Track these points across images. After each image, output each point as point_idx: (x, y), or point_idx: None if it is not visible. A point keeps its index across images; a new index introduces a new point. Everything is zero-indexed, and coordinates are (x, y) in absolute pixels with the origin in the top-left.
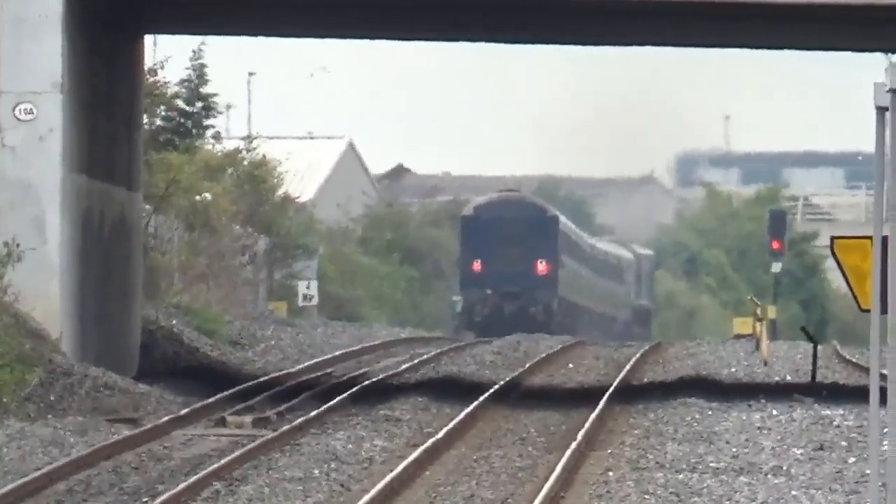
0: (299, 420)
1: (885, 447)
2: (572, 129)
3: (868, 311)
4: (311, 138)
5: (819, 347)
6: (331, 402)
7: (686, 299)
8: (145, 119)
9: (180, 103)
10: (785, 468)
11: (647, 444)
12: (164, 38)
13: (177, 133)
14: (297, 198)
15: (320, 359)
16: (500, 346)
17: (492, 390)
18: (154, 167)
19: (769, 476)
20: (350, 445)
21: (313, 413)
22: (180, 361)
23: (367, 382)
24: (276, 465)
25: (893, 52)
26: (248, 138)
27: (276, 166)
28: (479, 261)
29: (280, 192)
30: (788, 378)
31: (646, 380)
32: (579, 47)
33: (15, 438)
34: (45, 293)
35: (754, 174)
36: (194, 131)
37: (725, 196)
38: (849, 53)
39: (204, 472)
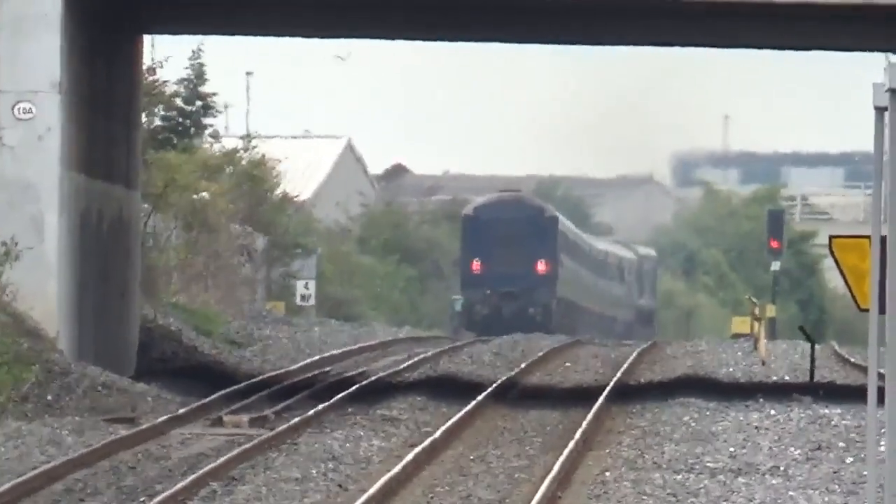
0: (297, 419)
1: (883, 447)
2: (571, 129)
3: (867, 310)
4: (310, 137)
5: (817, 347)
6: (328, 402)
7: (684, 299)
8: (144, 118)
9: (179, 102)
10: (782, 468)
11: (644, 444)
12: (162, 39)
13: (175, 132)
14: (296, 197)
15: (318, 358)
16: (498, 346)
17: (489, 389)
18: (152, 166)
19: (767, 476)
20: (348, 445)
21: (311, 412)
22: (178, 361)
23: (364, 382)
24: (273, 465)
25: (892, 52)
26: (247, 137)
27: (274, 166)
28: (478, 261)
29: (278, 191)
30: (786, 378)
31: (643, 379)
32: (578, 47)
33: (12, 438)
34: (43, 292)
35: (753, 174)
36: (193, 130)
37: (724, 195)
38: (848, 53)
39: (201, 471)
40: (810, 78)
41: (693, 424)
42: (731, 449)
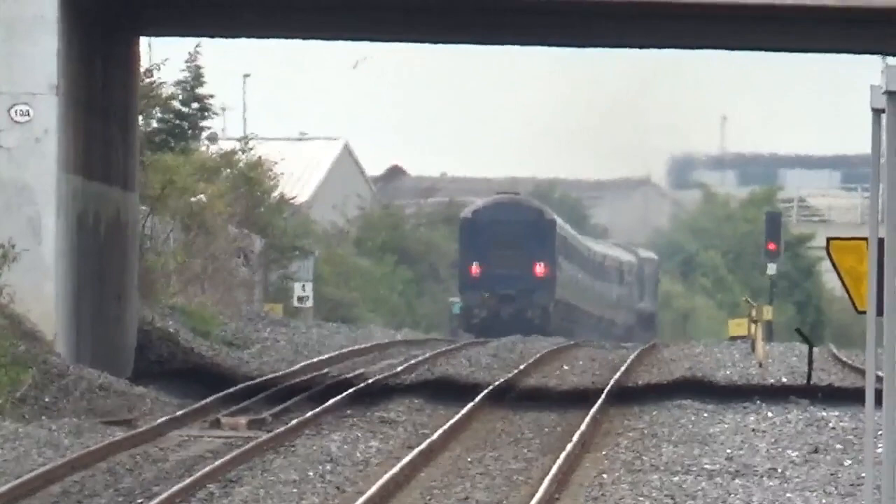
0: (294, 421)
1: (881, 449)
2: (568, 131)
3: (864, 312)
4: (307, 139)
5: (815, 349)
6: (326, 404)
7: (682, 301)
8: (141, 120)
9: (176, 104)
10: (780, 470)
11: (642, 445)
12: (159, 42)
13: (172, 134)
14: (293, 199)
15: (316, 360)
16: (496, 348)
17: (486, 391)
18: (150, 168)
19: (764, 478)
20: (345, 447)
21: (309, 414)
22: (176, 363)
23: (362, 384)
24: (270, 467)
25: (890, 55)
26: (244, 139)
27: (271, 168)
28: (477, 263)
29: (275, 193)
30: (784, 380)
31: (640, 381)
32: (575, 49)
33: (9, 440)
34: (41, 294)
35: (750, 176)
36: (190, 132)
37: (722, 198)
38: (845, 55)
39: (199, 473)
40: (808, 80)
41: (690, 426)
42: (729, 451)
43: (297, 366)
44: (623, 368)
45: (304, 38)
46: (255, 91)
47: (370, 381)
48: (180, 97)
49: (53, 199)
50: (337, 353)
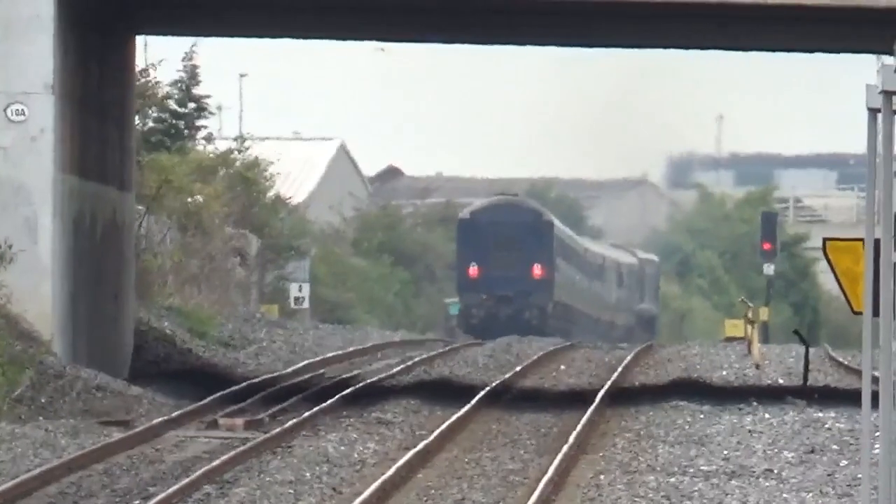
0: (291, 422)
1: (877, 450)
2: (565, 131)
3: (860, 313)
4: (304, 139)
5: (811, 350)
6: (323, 405)
7: (678, 302)
8: (137, 120)
9: (172, 104)
10: (776, 471)
11: (638, 447)
12: (155, 41)
13: (168, 134)
14: (289, 199)
15: (312, 361)
16: (492, 349)
17: (483, 392)
18: (146, 168)
19: (760, 479)
20: (342, 448)
21: (305, 415)
22: (172, 363)
23: (359, 385)
24: (267, 468)
25: (885, 54)
26: (240, 139)
27: (266, 167)
28: (475, 265)
29: (271, 193)
30: (780, 381)
31: (637, 383)
32: (573, 49)
33: (6, 440)
34: (37, 294)
35: (747, 176)
36: (186, 132)
37: (718, 198)
38: (841, 55)
39: (195, 474)
40: (804, 80)
41: (687, 427)
42: (725, 452)
43: (294, 367)
44: (619, 369)
45: (300, 38)
46: (252, 91)
47: (367, 382)
48: (176, 97)
49: (50, 199)
50: (333, 354)
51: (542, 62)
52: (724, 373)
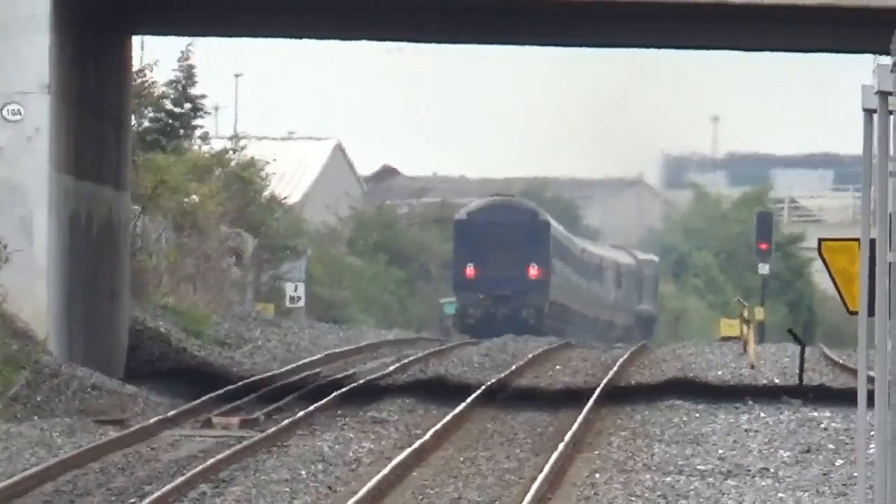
0: (286, 421)
1: (873, 449)
2: (560, 131)
3: (856, 313)
4: (299, 139)
5: (806, 349)
6: (318, 403)
7: (674, 301)
8: (133, 119)
9: (168, 104)
10: (772, 470)
11: (634, 445)
12: (151, 41)
13: (164, 134)
14: (285, 199)
15: (308, 360)
16: (488, 348)
17: (479, 391)
18: (141, 168)
19: (756, 478)
20: (337, 447)
21: (300, 414)
22: (168, 362)
23: (354, 384)
24: (263, 467)
25: (881, 54)
26: (236, 138)
27: (262, 167)
28: (472, 265)
29: (267, 192)
30: (776, 380)
31: (633, 382)
32: (568, 49)
33: (2, 439)
34: (33, 294)
35: (742, 176)
36: (182, 132)
37: (714, 197)
38: (837, 55)
39: (191, 473)
40: (799, 80)
41: (683, 426)
42: (721, 451)
43: (290, 366)
44: (615, 368)
45: (296, 38)
46: (247, 90)
47: (362, 381)
48: (172, 96)
49: (45, 199)
50: (329, 353)
51: (539, 62)
52: (720, 372)
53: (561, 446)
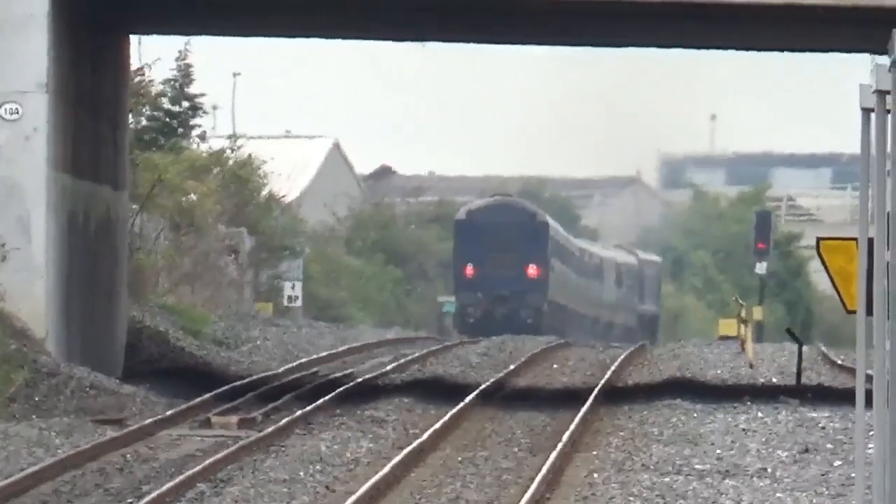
0: (285, 421)
1: (871, 449)
2: (558, 130)
3: (854, 312)
4: (297, 138)
5: (804, 349)
6: (316, 403)
7: (672, 301)
8: (130, 118)
9: (165, 103)
10: (770, 470)
11: (632, 445)
12: (148, 40)
13: (162, 133)
14: (283, 197)
15: (306, 359)
16: (486, 348)
17: (477, 391)
18: (139, 166)
19: (754, 478)
20: (335, 446)
21: (298, 414)
22: (165, 362)
23: (352, 383)
24: (261, 467)
25: (879, 53)
26: (233, 137)
27: (259, 166)
28: (471, 265)
29: (265, 191)
30: (774, 380)
31: (631, 381)
32: (565, 48)
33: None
34: (31, 293)
35: (740, 175)
36: (180, 131)
37: (712, 197)
38: (835, 54)
39: (189, 472)
40: (797, 79)
41: (681, 426)
42: (719, 451)
43: (288, 365)
44: (613, 368)
45: (294, 38)
46: (246, 89)
47: (360, 380)
48: (169, 95)
49: (43, 198)
50: (327, 352)
51: (537, 61)
52: (718, 371)
53: (559, 446)
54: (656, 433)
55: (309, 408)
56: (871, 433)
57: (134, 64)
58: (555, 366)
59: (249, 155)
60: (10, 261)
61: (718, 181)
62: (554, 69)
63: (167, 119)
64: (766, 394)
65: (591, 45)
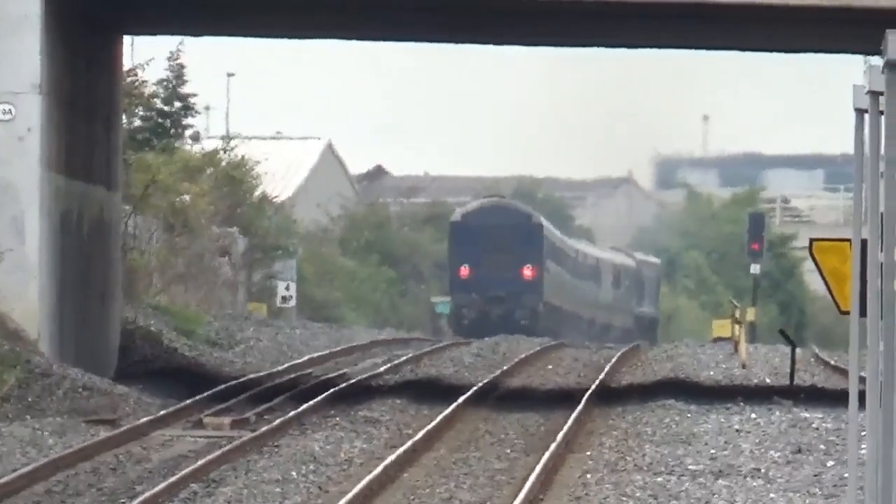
0: (278, 421)
1: (864, 450)
2: (551, 131)
3: (847, 313)
4: (291, 139)
5: (797, 350)
6: (309, 403)
7: (665, 302)
8: (123, 119)
9: (158, 103)
10: (763, 471)
11: (625, 446)
12: (141, 40)
13: (155, 133)
14: (276, 197)
15: (299, 360)
16: (480, 348)
17: (470, 392)
18: (132, 167)
19: (747, 479)
20: (328, 447)
21: (292, 414)
22: (159, 362)
23: (345, 384)
24: (254, 467)
25: (872, 54)
26: (227, 138)
27: (252, 167)
28: (466, 266)
29: (258, 192)
30: (767, 381)
31: (624, 382)
32: (559, 49)
33: None
34: (24, 294)
35: (733, 176)
36: (173, 131)
37: (705, 198)
38: (828, 55)
39: (182, 473)
40: (790, 80)
41: (674, 427)
42: (712, 451)
43: (281, 366)
44: (607, 369)
45: (288, 38)
46: (240, 90)
47: (353, 380)
48: (163, 95)
49: (37, 199)
50: (320, 353)
51: (530, 62)
52: (711, 372)
53: (552, 446)
54: (650, 433)
55: (302, 408)
56: (864, 434)
57: (126, 64)
58: (549, 366)
59: (243, 157)
60: (4, 261)
61: (712, 182)
62: (547, 70)
63: (160, 119)
64: (760, 394)
65: (586, 45)
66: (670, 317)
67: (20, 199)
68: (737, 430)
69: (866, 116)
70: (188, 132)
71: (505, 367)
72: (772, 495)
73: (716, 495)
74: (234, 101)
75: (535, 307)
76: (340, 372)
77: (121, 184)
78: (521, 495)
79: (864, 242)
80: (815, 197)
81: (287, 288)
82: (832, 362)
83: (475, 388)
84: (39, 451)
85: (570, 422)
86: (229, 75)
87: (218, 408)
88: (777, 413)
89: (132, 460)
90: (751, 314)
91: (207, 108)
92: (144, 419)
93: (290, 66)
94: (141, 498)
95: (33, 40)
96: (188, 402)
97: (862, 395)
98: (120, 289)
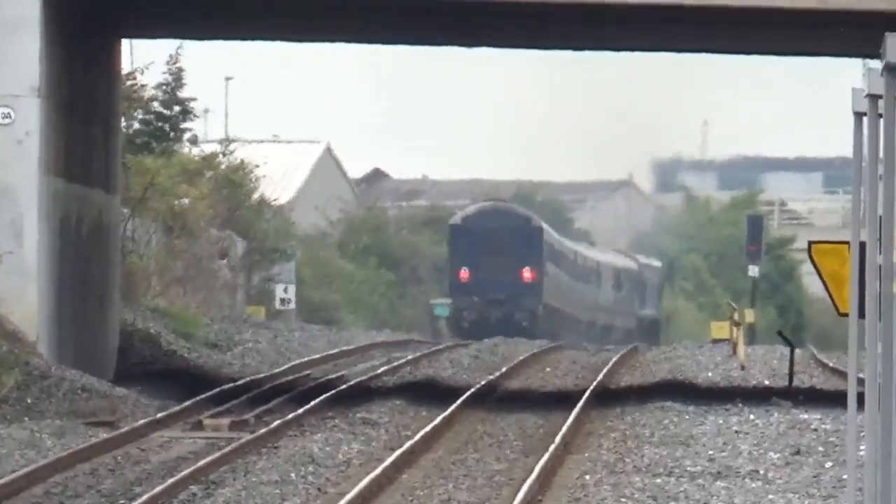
0: (277, 423)
1: (862, 451)
2: (550, 134)
3: (846, 315)
4: (289, 142)
5: (796, 352)
6: (308, 405)
7: (664, 304)
8: (122, 122)
9: (157, 106)
10: (762, 472)
11: (624, 447)
12: (139, 44)
13: (153, 136)
14: (275, 200)
15: (298, 362)
16: (478, 350)
17: (468, 393)
18: (131, 170)
19: (746, 480)
20: (327, 448)
21: (291, 416)
22: (157, 364)
23: (344, 385)
24: (253, 469)
25: (870, 57)
26: (225, 142)
27: (251, 170)
28: (466, 269)
29: (256, 195)
30: (766, 382)
31: (623, 384)
32: (559, 52)
33: None
34: (23, 296)
35: (732, 179)
36: (172, 135)
37: (704, 201)
38: (826, 58)
39: (181, 474)
40: (789, 83)
41: (673, 428)
42: (711, 453)
43: (280, 368)
44: (605, 370)
45: (287, 41)
46: (238, 93)
47: (352, 382)
48: (161, 99)
49: (36, 202)
50: (319, 355)
51: (529, 65)
52: (710, 374)
53: (551, 448)
54: (648, 435)
55: (301, 410)
56: (863, 435)
57: (125, 68)
58: (547, 368)
59: (242, 160)
60: (3, 264)
61: (710, 185)
62: (546, 73)
63: (158, 123)
64: (758, 396)
65: (583, 48)
66: (668, 318)
67: (19, 202)
68: (735, 432)
69: (865, 119)
70: (187, 136)
71: (503, 369)
72: (770, 496)
73: (714, 497)
74: (233, 105)
75: (535, 309)
76: (339, 374)
77: (120, 187)
78: (520, 496)
79: (862, 245)
80: (814, 199)
81: (286, 290)
82: (831, 364)
83: (473, 390)
84: (38, 452)
85: (568, 423)
86: (227, 79)
87: (217, 409)
88: (776, 414)
89: (131, 462)
90: (749, 316)
91: (206, 112)
92: (143, 421)
93: (289, 69)
94: (140, 500)
95: (32, 43)
96: (187, 403)
97: (861, 397)
98: (119, 291)
